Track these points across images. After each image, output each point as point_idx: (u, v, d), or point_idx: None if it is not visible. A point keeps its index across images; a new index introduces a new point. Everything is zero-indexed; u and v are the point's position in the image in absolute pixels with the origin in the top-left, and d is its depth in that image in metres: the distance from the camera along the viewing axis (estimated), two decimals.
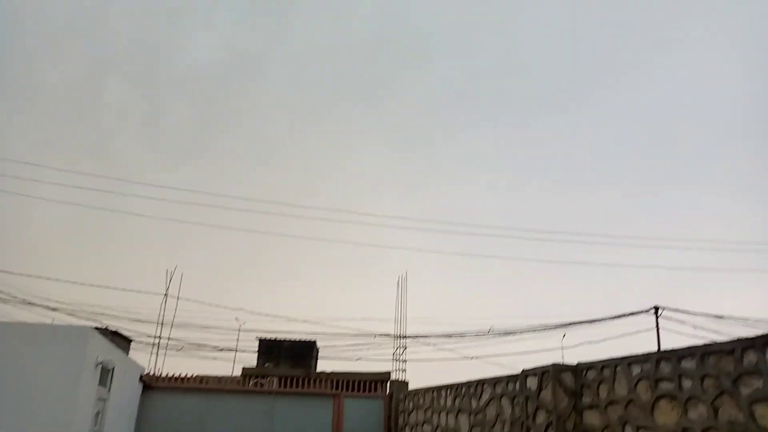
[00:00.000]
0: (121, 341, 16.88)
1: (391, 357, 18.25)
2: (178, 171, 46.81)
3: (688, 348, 6.80)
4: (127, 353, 16.91)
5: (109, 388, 12.12)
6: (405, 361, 17.68)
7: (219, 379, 18.07)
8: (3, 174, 23.99)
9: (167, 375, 15.72)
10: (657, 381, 7.23)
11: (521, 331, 21.99)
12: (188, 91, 49.19)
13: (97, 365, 11.01)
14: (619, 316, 22.73)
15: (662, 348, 22.38)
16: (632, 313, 23.23)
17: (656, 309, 23.82)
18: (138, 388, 15.00)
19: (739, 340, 6.18)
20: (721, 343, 6.44)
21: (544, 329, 22.42)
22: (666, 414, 7.00)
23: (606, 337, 22.43)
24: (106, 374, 11.86)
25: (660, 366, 7.23)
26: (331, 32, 49.41)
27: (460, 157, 50.08)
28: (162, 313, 18.69)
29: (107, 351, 11.71)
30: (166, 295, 18.46)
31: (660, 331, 23.60)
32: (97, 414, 11.52)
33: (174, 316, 19.08)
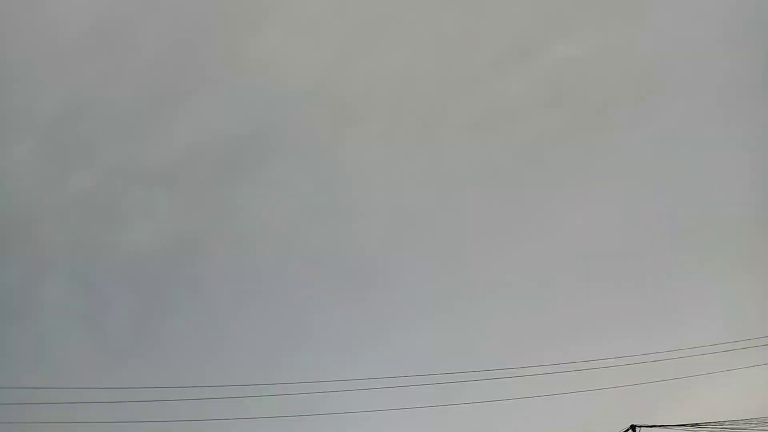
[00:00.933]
0: None
1: None
2: (126, 366, 44.63)
3: None
4: None
5: None
6: None
7: None
8: None
9: None
10: None
11: None
12: (129, 282, 48.63)
13: None
14: None
15: None
16: None
17: (633, 428, 23.31)
18: None
19: None
20: None
21: None
22: None
23: None
24: None
25: None
26: (270, 202, 51.07)
27: (410, 305, 50.33)
28: None
29: None
30: None
31: None
32: None
33: None
